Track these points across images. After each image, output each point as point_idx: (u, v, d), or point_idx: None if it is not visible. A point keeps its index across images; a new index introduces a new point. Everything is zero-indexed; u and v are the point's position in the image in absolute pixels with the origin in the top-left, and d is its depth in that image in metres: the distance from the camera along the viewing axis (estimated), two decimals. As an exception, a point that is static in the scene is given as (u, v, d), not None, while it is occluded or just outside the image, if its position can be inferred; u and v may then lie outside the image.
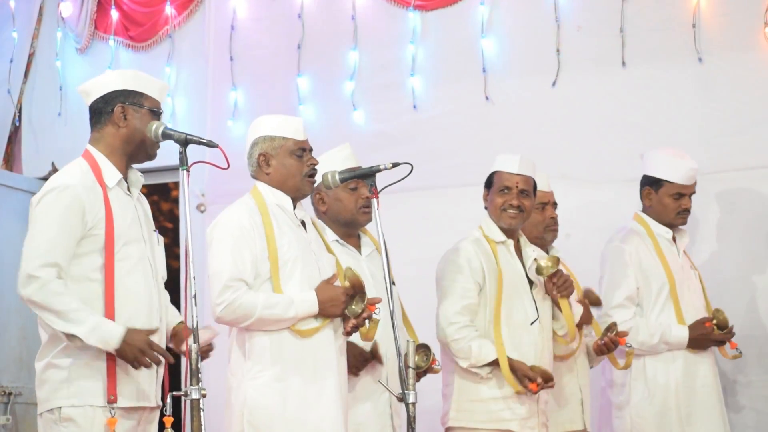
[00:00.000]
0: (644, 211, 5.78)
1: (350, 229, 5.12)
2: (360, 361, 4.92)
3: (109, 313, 4.02)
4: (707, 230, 6.15)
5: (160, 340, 4.14)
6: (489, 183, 5.31)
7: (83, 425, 3.95)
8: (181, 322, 4.31)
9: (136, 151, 4.18)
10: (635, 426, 5.65)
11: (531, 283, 5.24)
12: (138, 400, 4.09)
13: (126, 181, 4.23)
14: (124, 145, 4.16)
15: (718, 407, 5.64)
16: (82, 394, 3.97)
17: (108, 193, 4.10)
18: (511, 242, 5.25)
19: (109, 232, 4.05)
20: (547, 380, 5.04)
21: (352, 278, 4.57)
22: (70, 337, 3.95)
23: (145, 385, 4.07)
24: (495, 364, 5.06)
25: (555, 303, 5.23)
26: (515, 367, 5.03)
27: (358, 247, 5.13)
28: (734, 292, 6.15)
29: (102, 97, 4.17)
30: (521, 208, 5.22)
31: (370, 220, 5.11)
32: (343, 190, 5.02)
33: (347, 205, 5.06)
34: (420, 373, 4.92)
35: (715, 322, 5.60)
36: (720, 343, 5.64)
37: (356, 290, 4.58)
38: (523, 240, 5.34)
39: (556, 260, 5.18)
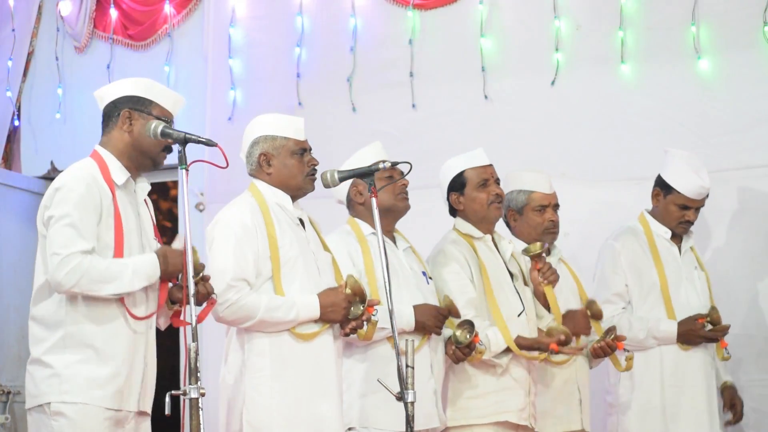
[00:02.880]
0: (651, 210, 5.77)
1: (389, 219, 5.03)
2: (439, 320, 4.89)
3: None
4: (708, 229, 6.14)
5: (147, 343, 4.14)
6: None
7: (75, 419, 3.94)
8: None
9: (141, 157, 4.17)
10: (621, 425, 5.67)
11: (512, 276, 5.24)
12: (116, 402, 4.02)
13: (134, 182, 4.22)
14: (129, 150, 4.16)
15: (707, 407, 5.60)
16: (72, 391, 3.96)
17: (116, 191, 4.09)
18: (488, 237, 5.26)
19: (118, 234, 4.04)
20: (567, 339, 5.06)
21: (354, 286, 4.58)
22: None
23: (124, 386, 4.03)
24: (508, 350, 5.08)
25: (538, 295, 5.22)
26: (526, 344, 5.06)
27: (393, 241, 5.09)
28: (735, 292, 6.14)
29: (112, 102, 4.19)
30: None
31: (408, 207, 5.07)
32: (379, 180, 4.84)
33: (384, 193, 4.94)
34: (463, 349, 4.89)
35: (708, 319, 5.57)
36: (710, 340, 5.62)
37: (358, 297, 4.59)
38: (497, 236, 5.34)
39: (541, 245, 5.20)
